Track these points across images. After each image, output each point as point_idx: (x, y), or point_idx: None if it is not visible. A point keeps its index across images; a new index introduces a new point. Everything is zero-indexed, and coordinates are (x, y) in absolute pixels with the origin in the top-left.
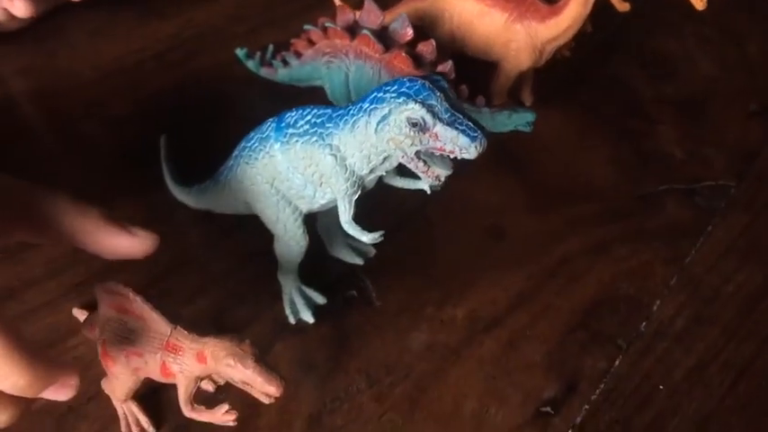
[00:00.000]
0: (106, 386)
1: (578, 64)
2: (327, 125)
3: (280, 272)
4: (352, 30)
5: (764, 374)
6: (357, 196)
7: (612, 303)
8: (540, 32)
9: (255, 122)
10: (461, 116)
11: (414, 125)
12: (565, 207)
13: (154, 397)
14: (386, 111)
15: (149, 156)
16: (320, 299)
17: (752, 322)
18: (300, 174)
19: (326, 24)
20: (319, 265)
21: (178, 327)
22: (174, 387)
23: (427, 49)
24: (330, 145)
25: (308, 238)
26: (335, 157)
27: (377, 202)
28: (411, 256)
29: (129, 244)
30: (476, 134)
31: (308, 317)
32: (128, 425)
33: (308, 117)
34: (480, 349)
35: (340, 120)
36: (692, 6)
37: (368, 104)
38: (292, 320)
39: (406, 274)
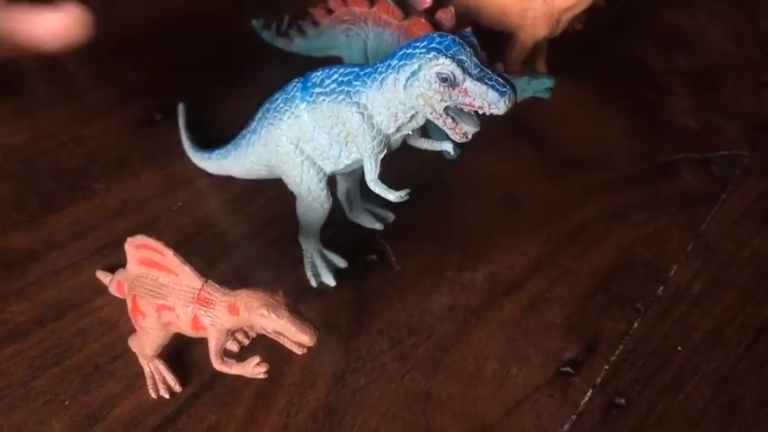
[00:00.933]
0: (134, 344)
1: (591, 37)
2: (355, 83)
3: (301, 235)
4: None
5: None
6: (383, 155)
7: (630, 268)
8: (557, 1)
9: (271, 93)
10: (490, 72)
11: (444, 80)
12: (581, 175)
13: (179, 356)
14: (415, 66)
15: (167, 124)
16: (341, 262)
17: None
18: (326, 133)
19: None
20: (339, 230)
21: (209, 280)
22: (198, 346)
23: (446, 15)
24: (357, 103)
25: (331, 199)
26: (363, 114)
27: (394, 168)
28: (429, 222)
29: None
30: (505, 89)
31: (329, 280)
32: (154, 382)
33: (335, 76)
34: (501, 312)
35: (368, 77)
36: None
37: (396, 61)
38: (314, 283)
39: (425, 239)
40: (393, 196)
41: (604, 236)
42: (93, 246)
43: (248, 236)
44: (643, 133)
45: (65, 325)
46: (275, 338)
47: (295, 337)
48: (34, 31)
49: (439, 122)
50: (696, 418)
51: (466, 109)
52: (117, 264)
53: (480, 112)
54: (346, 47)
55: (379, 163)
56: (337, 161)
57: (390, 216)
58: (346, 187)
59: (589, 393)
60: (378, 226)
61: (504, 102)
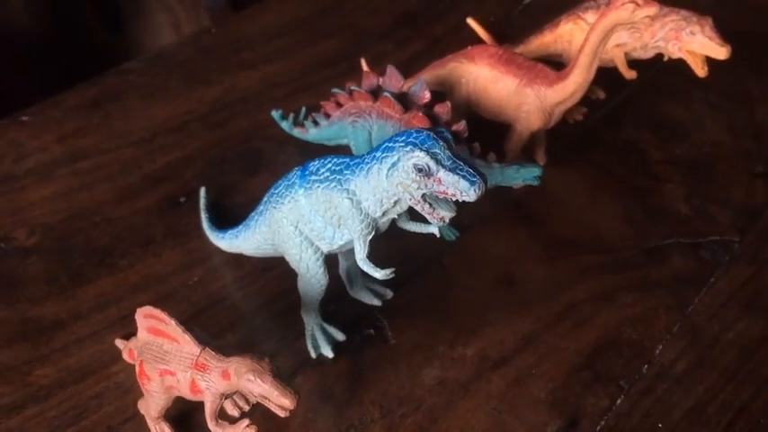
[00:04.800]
0: (142, 406)
1: (591, 127)
2: (345, 172)
3: (303, 309)
4: (376, 93)
5: (760, 415)
6: (371, 237)
7: (616, 347)
8: (549, 96)
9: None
10: (463, 163)
11: (419, 170)
12: (574, 257)
13: (185, 420)
14: (395, 158)
15: (190, 206)
16: (340, 335)
17: (750, 367)
18: (321, 216)
19: (352, 88)
20: (340, 305)
21: (207, 348)
22: (200, 412)
23: (443, 110)
24: (347, 189)
25: (328, 277)
26: (352, 200)
27: (396, 250)
28: (426, 299)
29: None
30: (475, 179)
31: (327, 352)
32: None
33: (329, 165)
34: (488, 386)
35: (356, 167)
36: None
37: (380, 153)
38: (313, 355)
39: (421, 315)
40: (379, 274)
41: (592, 315)
42: (114, 316)
43: (256, 309)
44: (636, 219)
45: (84, 388)
46: (261, 402)
47: (277, 400)
48: None
49: (417, 208)
50: None
51: (441, 196)
52: (134, 333)
53: (453, 199)
54: (353, 137)
55: (367, 244)
56: (332, 242)
57: (389, 293)
58: (347, 266)
59: None
60: (377, 302)
61: (474, 190)
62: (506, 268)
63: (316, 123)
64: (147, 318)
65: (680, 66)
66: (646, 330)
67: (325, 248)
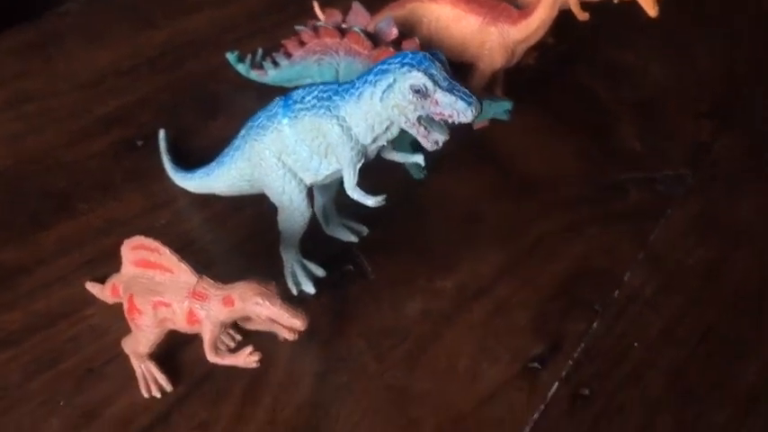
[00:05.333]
0: (127, 345)
1: (543, 70)
2: (334, 98)
3: (282, 246)
4: (341, 30)
5: (727, 333)
6: (360, 164)
7: (587, 275)
8: (512, 34)
9: (246, 120)
10: (458, 84)
11: (416, 92)
12: (537, 194)
13: (170, 358)
14: (391, 80)
15: (148, 149)
16: (320, 271)
17: (712, 289)
18: (307, 146)
19: (317, 24)
20: (316, 242)
21: (204, 276)
22: (187, 349)
23: (412, 46)
24: (337, 116)
25: (311, 209)
26: (342, 127)
27: (365, 189)
28: (400, 236)
29: None
30: (471, 99)
31: (309, 288)
32: (146, 383)
33: (315, 92)
34: (470, 315)
35: (346, 93)
36: (645, 17)
37: (373, 76)
38: (294, 292)
39: (397, 251)
40: (371, 201)
41: (560, 247)
42: (79, 260)
43: (230, 250)
44: (593, 156)
45: (57, 332)
46: (267, 326)
47: (288, 322)
48: None
49: (412, 131)
50: (654, 406)
51: (436, 118)
52: (104, 277)
53: (449, 120)
54: (318, 75)
55: (357, 172)
56: (317, 172)
57: (365, 230)
58: (323, 202)
59: (555, 386)
60: (353, 239)
61: (471, 110)
62: (474, 206)
63: (275, 64)
64: (136, 249)
65: (628, 9)
66: (612, 259)
67: (309, 180)
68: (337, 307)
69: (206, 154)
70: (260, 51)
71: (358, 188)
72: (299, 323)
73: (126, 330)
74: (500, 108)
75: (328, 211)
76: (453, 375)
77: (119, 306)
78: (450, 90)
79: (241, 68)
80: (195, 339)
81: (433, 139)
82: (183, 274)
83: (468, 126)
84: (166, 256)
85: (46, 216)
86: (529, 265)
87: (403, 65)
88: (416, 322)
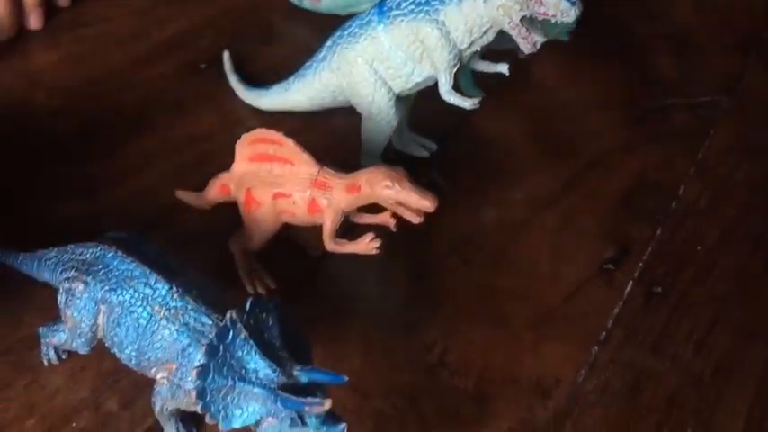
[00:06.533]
0: (237, 242)
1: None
2: (432, 2)
3: (363, 157)
4: None
5: None
6: (456, 69)
7: (645, 188)
8: None
9: (300, 50)
10: None
11: None
12: (589, 116)
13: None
14: None
15: (211, 72)
16: None
17: (760, 201)
18: (403, 52)
19: None
20: (389, 160)
21: (324, 167)
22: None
23: None
24: (436, 20)
25: (398, 118)
26: (441, 30)
27: (423, 120)
28: (466, 152)
29: None
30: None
31: None
32: (251, 281)
33: None
34: (542, 223)
35: None
36: None
37: None
38: None
39: (466, 167)
40: (468, 104)
41: (618, 164)
42: (166, 172)
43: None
44: (634, 84)
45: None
46: (394, 210)
47: (418, 203)
48: None
49: (514, 32)
50: (722, 300)
51: (540, 18)
52: (192, 187)
53: (553, 20)
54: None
55: (452, 76)
56: (409, 79)
57: (434, 146)
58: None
59: (630, 284)
60: (425, 154)
61: (575, 9)
62: (531, 128)
63: None
64: (255, 144)
65: None
66: (667, 174)
67: (399, 88)
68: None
69: (269, 77)
70: None
71: (454, 91)
72: (428, 204)
73: (221, 236)
74: (565, 28)
75: (401, 127)
76: (536, 275)
77: (214, 210)
78: None
79: None
80: None
81: (533, 41)
82: (304, 164)
83: (514, 55)
84: (289, 146)
85: (126, 132)
86: (590, 180)
87: None
88: (493, 229)
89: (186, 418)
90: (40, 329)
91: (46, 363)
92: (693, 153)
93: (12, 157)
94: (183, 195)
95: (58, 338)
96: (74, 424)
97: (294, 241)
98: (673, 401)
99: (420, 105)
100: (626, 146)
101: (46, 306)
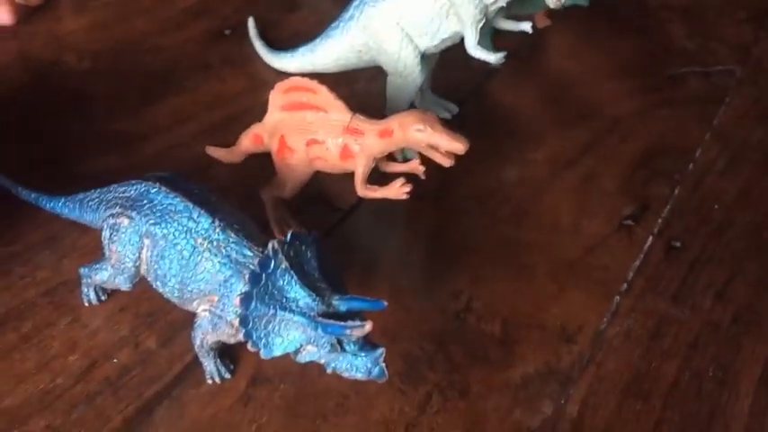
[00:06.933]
0: (269, 190)
1: None
2: None
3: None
4: None
5: None
6: (481, 25)
7: (663, 150)
8: None
9: (323, 18)
10: None
11: None
12: (607, 82)
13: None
14: None
15: (236, 38)
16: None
17: None
18: (430, 8)
19: None
20: None
21: (356, 114)
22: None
23: None
24: None
25: (423, 76)
26: None
27: (444, 82)
28: (485, 114)
29: None
30: None
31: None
32: (281, 228)
33: None
34: (563, 182)
35: None
36: None
37: None
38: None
39: (487, 128)
40: (493, 58)
41: (636, 128)
42: (195, 130)
43: None
44: (650, 53)
45: None
46: (425, 152)
47: (449, 145)
48: None
49: None
50: (740, 254)
51: None
52: (221, 144)
53: None
54: None
55: (478, 31)
56: (435, 36)
57: (455, 108)
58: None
59: (650, 239)
60: (447, 115)
61: None
62: (549, 93)
63: None
64: (289, 92)
65: None
66: (684, 138)
67: (425, 45)
68: (438, 174)
69: (294, 42)
70: None
71: (479, 46)
72: (460, 145)
73: (250, 188)
74: None
75: (423, 88)
76: (558, 229)
77: (242, 164)
78: None
79: None
80: None
81: None
82: (336, 111)
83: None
84: (323, 94)
85: (154, 92)
86: (609, 142)
87: None
88: (515, 187)
89: (224, 354)
90: (82, 269)
91: (86, 303)
92: (709, 118)
93: (45, 115)
94: (213, 151)
95: (101, 276)
96: (115, 360)
97: (322, 195)
98: (694, 347)
99: (437, 74)
100: (643, 111)
101: (86, 252)
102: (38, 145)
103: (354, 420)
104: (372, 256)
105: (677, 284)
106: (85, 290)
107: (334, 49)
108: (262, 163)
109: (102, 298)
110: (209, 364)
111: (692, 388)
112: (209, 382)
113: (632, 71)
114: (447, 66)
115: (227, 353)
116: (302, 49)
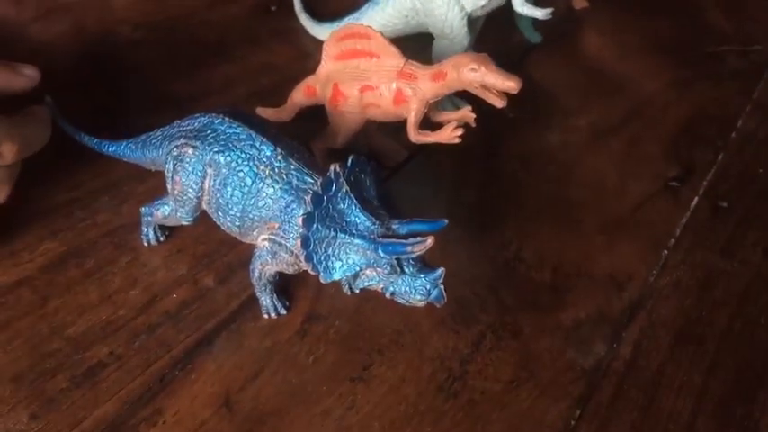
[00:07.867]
0: (321, 140)
1: None
2: None
3: None
4: None
5: None
6: None
7: (705, 119)
8: None
9: None
10: None
11: None
12: (648, 57)
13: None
14: None
15: (281, 13)
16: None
17: None
18: None
19: None
20: None
21: (409, 60)
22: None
23: None
24: None
25: (470, 38)
26: None
27: (490, 53)
28: (527, 87)
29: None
30: None
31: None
32: None
33: None
34: (607, 146)
35: None
36: None
37: None
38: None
39: (529, 95)
40: (540, 13)
41: (678, 98)
42: (245, 93)
43: None
44: (690, 31)
45: None
46: (479, 93)
47: (503, 85)
48: None
49: None
50: None
51: None
52: (271, 106)
53: None
54: None
55: None
56: None
57: (467, 106)
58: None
59: (696, 199)
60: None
61: None
62: (590, 63)
63: None
64: (343, 40)
65: None
66: (725, 109)
67: (471, 6)
68: (486, 133)
69: (333, 18)
70: None
71: (526, 2)
72: (513, 84)
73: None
74: None
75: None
76: (603, 189)
77: (292, 123)
78: None
79: None
80: None
81: None
82: (390, 57)
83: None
84: (377, 39)
85: (206, 60)
86: (651, 112)
87: None
88: (559, 150)
89: (280, 293)
90: (143, 208)
91: (145, 244)
92: (749, 92)
93: (103, 80)
94: (263, 111)
95: (162, 211)
96: (174, 295)
97: (371, 154)
98: (745, 297)
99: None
100: (684, 84)
101: (143, 199)
102: (94, 102)
103: (409, 355)
104: (420, 208)
105: (725, 240)
106: (145, 230)
107: (381, 15)
108: (312, 119)
109: (161, 239)
110: (266, 299)
111: (744, 335)
112: (266, 317)
113: (670, 49)
114: (489, 40)
115: (283, 292)
116: (348, 18)
